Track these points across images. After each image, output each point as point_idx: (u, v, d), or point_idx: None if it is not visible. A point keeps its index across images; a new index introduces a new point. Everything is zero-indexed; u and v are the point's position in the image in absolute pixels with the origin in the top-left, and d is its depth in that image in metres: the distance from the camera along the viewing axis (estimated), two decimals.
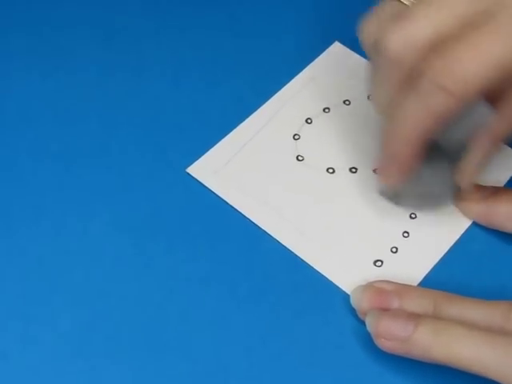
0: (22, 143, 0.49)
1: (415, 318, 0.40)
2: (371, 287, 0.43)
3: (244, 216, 0.46)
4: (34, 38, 0.54)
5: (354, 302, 0.43)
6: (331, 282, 0.44)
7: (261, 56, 0.53)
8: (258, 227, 0.46)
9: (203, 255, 0.45)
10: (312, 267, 0.45)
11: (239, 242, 0.45)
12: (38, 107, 0.51)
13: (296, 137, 0.49)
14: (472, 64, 0.37)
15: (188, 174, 0.48)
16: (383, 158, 0.43)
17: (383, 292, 0.42)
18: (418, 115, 0.39)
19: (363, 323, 0.42)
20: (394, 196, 0.46)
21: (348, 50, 0.53)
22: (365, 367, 0.42)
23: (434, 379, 0.41)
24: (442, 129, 0.41)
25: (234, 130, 0.49)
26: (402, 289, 0.42)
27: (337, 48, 0.53)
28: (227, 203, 0.47)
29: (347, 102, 0.51)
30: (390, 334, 0.40)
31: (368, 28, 0.41)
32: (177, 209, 0.47)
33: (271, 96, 0.51)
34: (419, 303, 0.41)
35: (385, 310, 0.41)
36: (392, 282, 0.43)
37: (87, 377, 0.42)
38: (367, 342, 0.42)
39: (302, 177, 0.48)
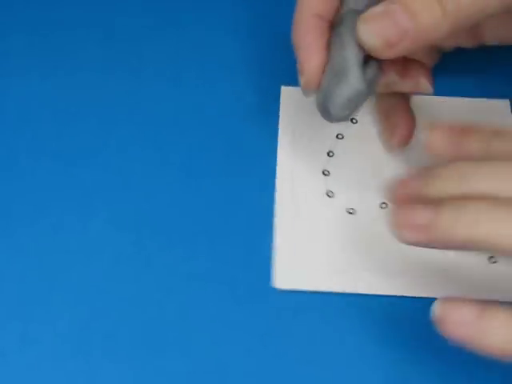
0: (21, 142, 0.49)
1: (437, 202, 0.37)
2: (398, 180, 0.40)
3: (243, 214, 0.46)
4: (34, 37, 0.54)
5: (385, 193, 0.41)
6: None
7: (261, 56, 0.53)
8: (258, 226, 0.46)
9: (202, 253, 0.45)
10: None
11: (239, 240, 0.45)
12: (37, 107, 0.51)
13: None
14: None
15: (185, 172, 0.48)
16: (297, 55, 0.42)
17: (408, 181, 0.40)
18: None
19: (363, 323, 0.42)
20: (324, 98, 0.42)
21: None
22: (365, 367, 0.42)
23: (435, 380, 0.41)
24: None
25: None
26: (426, 172, 0.40)
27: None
28: (227, 203, 0.47)
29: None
30: (411, 221, 0.38)
31: None
32: (175, 207, 0.47)
33: (271, 96, 0.51)
34: (446, 178, 0.39)
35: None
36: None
37: (86, 376, 0.42)
38: (367, 341, 0.42)
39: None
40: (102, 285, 0.44)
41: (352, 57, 0.41)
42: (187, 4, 0.55)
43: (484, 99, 0.50)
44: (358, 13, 0.40)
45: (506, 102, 0.50)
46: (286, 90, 0.51)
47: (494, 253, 0.37)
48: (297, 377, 0.41)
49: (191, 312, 0.43)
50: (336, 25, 0.42)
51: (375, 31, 0.40)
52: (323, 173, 0.48)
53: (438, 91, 0.47)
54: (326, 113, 0.43)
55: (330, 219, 0.46)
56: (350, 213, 0.46)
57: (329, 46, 0.41)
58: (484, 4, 0.39)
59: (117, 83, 0.52)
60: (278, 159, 0.48)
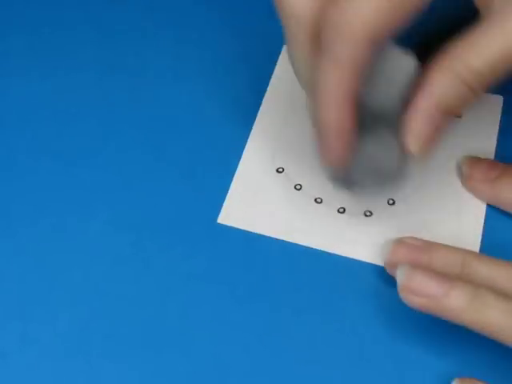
0: (21, 143, 0.50)
1: (450, 278, 0.39)
2: (402, 241, 0.43)
3: None
4: (34, 37, 0.54)
5: (384, 256, 0.43)
6: (330, 280, 0.44)
7: (261, 56, 0.53)
8: None
9: (202, 253, 0.45)
10: (312, 266, 0.45)
11: (238, 239, 0.45)
12: (37, 107, 0.51)
13: None
14: (364, 2, 0.35)
15: (187, 172, 0.48)
16: (318, 135, 0.40)
17: (414, 246, 0.42)
18: (331, 73, 0.37)
19: (362, 323, 0.42)
20: (347, 182, 0.43)
21: None
22: (365, 366, 0.42)
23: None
24: (367, 89, 0.38)
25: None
26: (431, 244, 0.43)
27: None
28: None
29: None
30: (424, 291, 0.39)
31: None
32: (175, 207, 0.47)
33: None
34: (448, 258, 0.41)
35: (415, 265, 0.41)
36: (420, 239, 0.43)
37: (86, 376, 0.42)
38: (367, 341, 0.42)
39: None
40: (102, 285, 0.44)
41: (396, 160, 0.41)
42: (187, 4, 0.55)
43: None
44: (395, 110, 0.40)
45: (500, 98, 0.50)
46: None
47: (498, 341, 0.38)
48: (296, 376, 0.41)
49: (191, 312, 0.43)
50: (371, 116, 0.40)
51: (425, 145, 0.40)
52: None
53: None
54: (344, 187, 0.44)
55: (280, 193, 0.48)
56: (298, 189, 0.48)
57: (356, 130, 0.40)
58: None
59: (117, 83, 0.52)
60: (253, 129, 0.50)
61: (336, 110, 0.38)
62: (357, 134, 0.39)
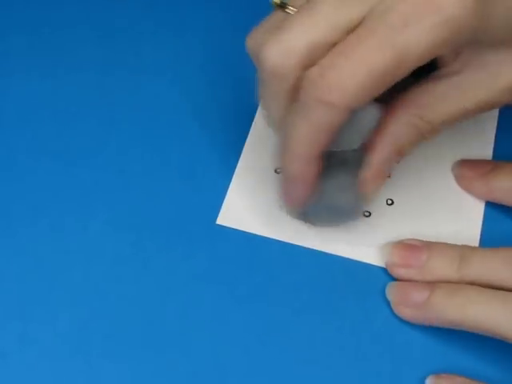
0: (20, 142, 0.49)
1: (432, 284, 0.42)
2: (401, 242, 0.44)
3: None
4: (34, 37, 0.54)
5: (384, 256, 0.44)
6: (330, 281, 0.44)
7: None
8: None
9: (202, 253, 0.45)
10: (311, 267, 0.45)
11: (237, 240, 0.45)
12: (36, 106, 0.51)
13: None
14: (347, 73, 0.36)
15: (186, 173, 0.48)
16: (283, 179, 0.42)
17: (413, 246, 0.44)
18: (305, 131, 0.38)
19: (362, 324, 0.43)
20: (303, 215, 0.45)
21: None
22: (364, 366, 0.42)
23: None
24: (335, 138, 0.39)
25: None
26: (431, 243, 0.44)
27: None
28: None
29: None
30: (408, 299, 0.42)
31: (252, 39, 0.40)
32: (174, 208, 0.47)
33: None
34: (446, 253, 0.43)
35: (412, 266, 0.43)
36: (419, 240, 0.44)
37: (86, 376, 0.42)
38: (367, 342, 0.42)
39: None
40: (102, 285, 0.44)
41: (352, 201, 0.44)
42: (187, 4, 0.55)
43: None
44: (356, 156, 0.42)
45: None
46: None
47: (485, 334, 0.40)
48: (297, 376, 0.42)
49: (190, 313, 0.43)
50: (332, 160, 0.42)
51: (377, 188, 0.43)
52: None
53: None
54: (305, 220, 0.46)
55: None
56: None
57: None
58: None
59: (116, 83, 0.52)
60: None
61: (302, 166, 0.40)
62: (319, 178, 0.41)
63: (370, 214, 0.46)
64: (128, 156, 0.49)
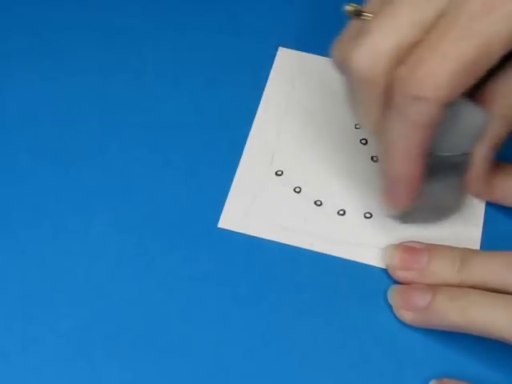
0: (22, 143, 0.49)
1: (433, 287, 0.42)
2: (402, 245, 0.44)
3: None
4: (34, 38, 0.54)
5: (385, 259, 0.44)
6: (331, 283, 0.44)
7: (262, 56, 0.53)
8: None
9: (204, 256, 0.45)
10: (313, 269, 0.45)
11: (239, 243, 0.45)
12: (38, 108, 0.51)
13: None
14: (437, 66, 0.36)
15: (186, 173, 0.48)
16: (388, 183, 0.42)
17: (414, 248, 0.44)
18: (405, 132, 0.38)
19: (364, 325, 0.43)
20: (404, 215, 0.45)
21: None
22: (367, 369, 0.42)
23: None
24: (436, 138, 0.40)
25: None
26: (431, 246, 0.44)
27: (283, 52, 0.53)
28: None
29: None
30: (409, 303, 0.42)
31: (337, 50, 0.41)
32: (177, 208, 0.47)
33: None
34: (447, 255, 0.43)
35: (413, 268, 0.43)
36: (420, 242, 0.44)
37: (88, 377, 0.42)
38: (369, 343, 0.42)
39: None
40: (104, 286, 0.44)
41: (458, 200, 0.45)
42: (187, 4, 0.55)
43: None
44: (466, 159, 0.42)
45: None
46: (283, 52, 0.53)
47: (487, 337, 0.40)
48: (297, 377, 0.42)
49: (193, 314, 0.43)
50: (442, 164, 0.42)
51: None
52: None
53: None
54: (405, 220, 0.46)
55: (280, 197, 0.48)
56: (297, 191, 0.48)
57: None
58: None
59: (117, 84, 0.52)
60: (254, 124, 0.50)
61: (405, 166, 0.40)
62: (424, 180, 0.41)
63: (372, 215, 0.46)
64: (129, 157, 0.49)
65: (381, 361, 0.42)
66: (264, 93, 0.51)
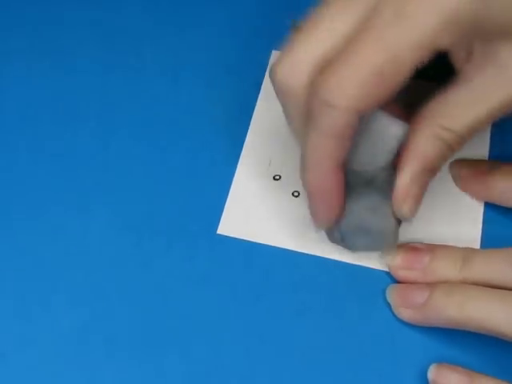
0: (21, 143, 0.50)
1: (431, 284, 0.42)
2: (404, 245, 0.44)
3: None
4: (34, 37, 0.54)
5: (387, 259, 0.45)
6: (332, 286, 0.45)
7: (261, 56, 0.53)
8: None
9: (203, 265, 0.45)
10: (313, 273, 0.45)
11: (239, 249, 0.46)
12: (37, 107, 0.51)
13: None
14: (346, 75, 0.36)
15: (188, 173, 0.48)
16: (307, 196, 0.41)
17: (416, 249, 0.44)
18: (316, 142, 0.38)
19: (364, 328, 0.43)
20: (340, 239, 0.43)
21: None
22: (366, 369, 0.42)
23: None
24: (353, 152, 0.39)
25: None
26: (433, 246, 0.44)
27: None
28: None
29: None
30: (408, 301, 0.43)
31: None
32: (176, 208, 0.47)
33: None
34: (449, 255, 0.43)
35: (415, 268, 0.43)
36: (422, 243, 0.44)
37: (86, 377, 0.42)
38: (368, 346, 0.43)
39: None
40: (103, 286, 0.45)
41: (387, 223, 0.42)
42: (187, 4, 0.55)
43: None
44: (384, 175, 0.41)
45: None
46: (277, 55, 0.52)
47: (485, 333, 0.40)
48: (298, 378, 0.42)
49: (192, 316, 0.44)
50: (359, 179, 0.41)
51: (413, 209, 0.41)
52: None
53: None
54: (343, 245, 0.44)
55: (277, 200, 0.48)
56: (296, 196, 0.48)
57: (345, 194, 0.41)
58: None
59: (117, 84, 0.52)
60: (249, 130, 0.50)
61: (318, 177, 0.39)
62: (347, 197, 0.41)
63: None
64: (129, 156, 0.49)
65: (380, 360, 0.42)
66: (260, 96, 0.51)
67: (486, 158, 0.49)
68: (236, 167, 0.49)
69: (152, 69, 0.53)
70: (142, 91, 0.52)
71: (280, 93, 0.39)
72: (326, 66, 0.37)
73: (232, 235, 0.46)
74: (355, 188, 0.41)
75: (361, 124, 0.38)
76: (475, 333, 0.41)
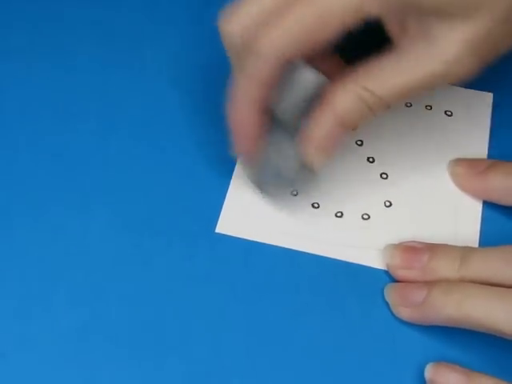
0: (21, 142, 0.50)
1: (430, 283, 0.42)
2: (403, 244, 0.45)
3: None
4: (34, 36, 0.54)
5: (386, 258, 0.45)
6: (331, 285, 0.45)
7: None
8: None
9: (202, 264, 0.45)
10: (312, 272, 0.45)
11: (237, 248, 0.46)
12: (37, 106, 0.51)
13: None
14: (276, 28, 0.40)
15: (187, 172, 0.48)
16: (231, 131, 0.44)
17: (414, 248, 0.44)
18: (243, 83, 0.42)
19: (363, 327, 0.43)
20: (257, 182, 0.47)
21: None
22: (365, 368, 0.42)
23: None
24: (275, 98, 0.42)
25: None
26: (432, 245, 0.44)
27: None
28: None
29: None
30: (406, 299, 0.43)
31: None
32: (175, 207, 0.47)
33: None
34: (448, 254, 0.43)
35: (414, 267, 0.43)
36: (420, 242, 0.45)
37: (86, 376, 0.42)
38: (368, 345, 0.43)
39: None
40: (103, 286, 0.45)
41: (296, 168, 0.45)
42: (187, 4, 0.55)
43: (468, 89, 0.51)
44: (296, 122, 0.43)
45: (489, 96, 0.51)
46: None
47: (483, 330, 0.40)
48: (298, 378, 0.42)
49: (192, 316, 0.44)
50: (274, 125, 0.44)
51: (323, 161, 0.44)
52: None
53: None
54: (260, 188, 0.47)
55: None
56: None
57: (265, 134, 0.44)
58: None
59: (117, 83, 0.52)
60: None
61: (240, 115, 0.43)
62: (265, 140, 0.44)
63: (369, 216, 0.47)
64: (128, 156, 0.49)
65: (379, 359, 0.43)
66: None
67: (485, 157, 0.49)
68: (234, 166, 0.49)
69: (152, 68, 0.53)
70: (141, 90, 0.52)
71: (223, 41, 0.43)
72: (261, 22, 0.41)
73: (230, 234, 0.46)
74: (274, 134, 0.44)
75: (285, 74, 0.41)
76: (474, 331, 0.41)
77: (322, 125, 0.42)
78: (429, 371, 0.41)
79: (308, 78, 0.42)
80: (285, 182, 0.46)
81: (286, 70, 0.41)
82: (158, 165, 0.49)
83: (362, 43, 0.44)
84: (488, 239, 0.46)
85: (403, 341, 0.43)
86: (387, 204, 0.47)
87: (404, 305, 0.43)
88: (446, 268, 0.43)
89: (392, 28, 0.42)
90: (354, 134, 0.49)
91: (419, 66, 0.41)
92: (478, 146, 0.49)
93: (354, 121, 0.42)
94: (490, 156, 0.49)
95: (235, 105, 0.43)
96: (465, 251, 0.43)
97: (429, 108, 0.50)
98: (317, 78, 0.42)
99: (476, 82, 0.50)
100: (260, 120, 0.43)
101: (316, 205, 0.47)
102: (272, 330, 0.43)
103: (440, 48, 0.40)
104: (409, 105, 0.50)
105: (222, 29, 0.43)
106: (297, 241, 0.46)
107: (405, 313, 0.43)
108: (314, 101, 0.42)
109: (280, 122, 0.44)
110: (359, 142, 0.49)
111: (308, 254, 0.46)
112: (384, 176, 0.48)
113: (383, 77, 0.41)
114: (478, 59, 0.41)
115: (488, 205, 0.47)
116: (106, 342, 0.43)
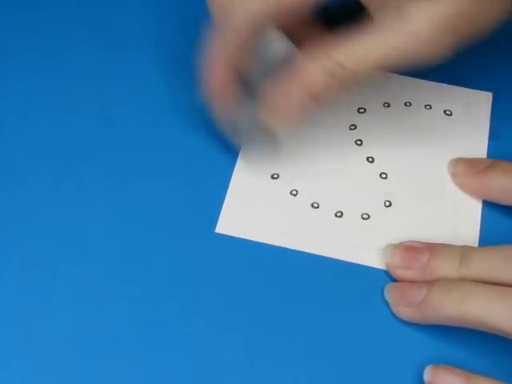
0: (20, 142, 0.50)
1: (429, 282, 0.42)
2: (402, 244, 0.45)
3: None
4: (34, 37, 0.54)
5: (385, 258, 0.45)
6: (331, 285, 0.45)
7: None
8: None
9: (201, 254, 0.46)
10: (312, 272, 0.45)
11: (237, 248, 0.46)
12: (36, 107, 0.51)
13: None
14: None
15: (186, 172, 0.49)
16: (206, 88, 0.45)
17: (414, 248, 0.44)
18: (218, 43, 0.43)
19: (363, 327, 0.43)
20: (233, 132, 0.48)
21: None
22: (365, 368, 0.42)
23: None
24: (250, 66, 0.44)
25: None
26: (431, 245, 0.44)
27: None
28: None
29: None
30: (406, 299, 0.43)
31: None
32: (174, 207, 0.47)
33: None
34: (447, 253, 0.43)
35: (414, 267, 0.43)
36: (420, 241, 0.45)
37: (86, 376, 0.42)
38: (368, 343, 0.43)
39: None
40: (103, 285, 0.45)
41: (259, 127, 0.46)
42: (187, 4, 0.55)
43: (467, 89, 0.51)
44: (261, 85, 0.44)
45: (489, 95, 0.51)
46: None
47: (483, 329, 0.40)
48: (298, 378, 0.42)
49: (191, 316, 0.44)
50: (244, 87, 0.45)
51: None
52: None
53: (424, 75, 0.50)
54: (233, 140, 0.48)
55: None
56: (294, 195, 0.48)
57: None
58: None
59: (116, 83, 0.52)
60: None
61: (214, 73, 0.44)
62: (239, 97, 0.45)
63: (369, 216, 0.47)
64: (128, 155, 0.49)
65: (379, 358, 0.43)
66: None
67: (485, 157, 0.49)
68: (234, 166, 0.49)
69: (152, 68, 0.53)
70: (141, 90, 0.52)
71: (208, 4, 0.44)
72: None
73: (230, 234, 0.46)
74: (245, 96, 0.45)
75: (256, 39, 0.42)
76: (474, 330, 0.41)
77: (289, 94, 0.43)
78: (428, 373, 0.41)
79: (276, 44, 0.43)
80: (255, 140, 0.47)
81: (259, 36, 0.42)
82: (158, 165, 0.49)
83: (348, 15, 0.44)
84: (488, 239, 0.46)
85: (403, 340, 0.43)
86: (387, 204, 0.47)
87: (404, 304, 0.43)
88: (445, 267, 0.43)
89: (371, 5, 0.42)
90: (354, 133, 0.49)
91: (391, 40, 0.41)
92: (478, 145, 0.49)
93: (322, 92, 0.43)
94: (489, 155, 0.49)
95: (210, 65, 0.44)
96: (464, 251, 0.43)
97: (428, 107, 0.50)
98: (285, 45, 0.43)
99: (476, 82, 0.51)
100: (230, 76, 0.44)
101: (316, 205, 0.47)
102: (272, 329, 0.44)
103: (413, 24, 0.41)
104: (408, 104, 0.51)
105: None
106: (297, 241, 0.46)
107: (405, 312, 0.43)
108: (280, 68, 0.43)
109: (249, 86, 0.45)
110: (359, 142, 0.49)
111: (308, 253, 0.46)
112: (384, 176, 0.48)
113: (353, 49, 0.42)
114: (453, 36, 0.41)
115: (488, 204, 0.47)
116: (106, 341, 0.43)
